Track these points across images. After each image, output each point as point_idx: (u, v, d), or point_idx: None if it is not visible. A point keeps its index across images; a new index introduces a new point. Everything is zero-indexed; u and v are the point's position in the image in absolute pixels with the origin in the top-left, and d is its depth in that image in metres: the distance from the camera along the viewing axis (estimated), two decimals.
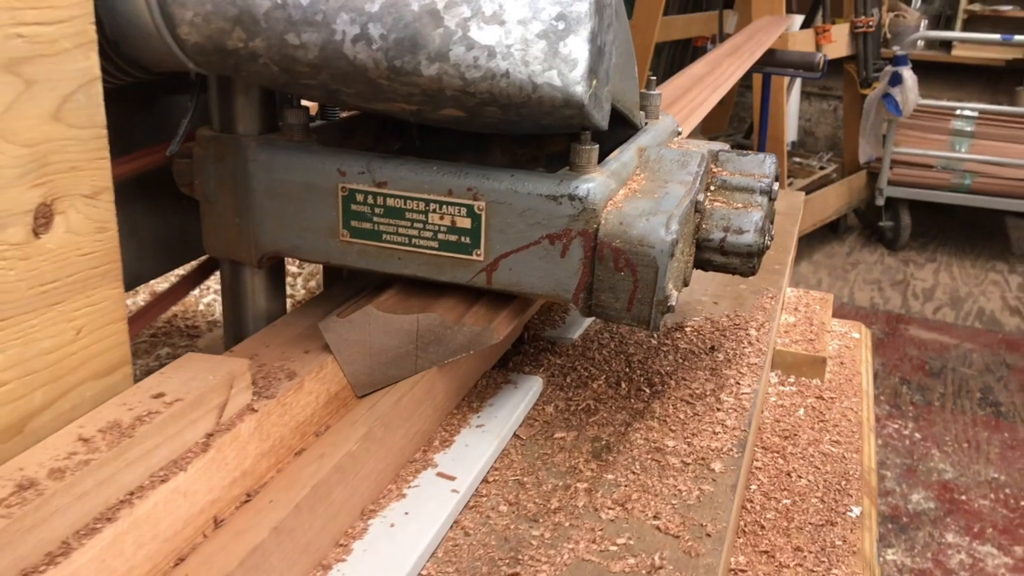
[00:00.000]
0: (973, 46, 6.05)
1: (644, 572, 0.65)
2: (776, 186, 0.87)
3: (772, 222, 0.89)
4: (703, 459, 0.79)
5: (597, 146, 0.76)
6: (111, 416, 0.64)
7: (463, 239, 0.77)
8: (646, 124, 0.95)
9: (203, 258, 0.96)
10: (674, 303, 0.75)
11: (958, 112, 5.18)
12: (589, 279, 0.76)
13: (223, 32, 0.67)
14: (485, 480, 0.76)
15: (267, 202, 0.81)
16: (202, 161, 0.83)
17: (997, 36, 4.88)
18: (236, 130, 0.83)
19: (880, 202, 5.04)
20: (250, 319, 0.89)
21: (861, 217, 5.43)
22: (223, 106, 0.84)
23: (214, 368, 0.71)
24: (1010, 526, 2.90)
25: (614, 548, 0.68)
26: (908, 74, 4.74)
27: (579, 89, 0.69)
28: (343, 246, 0.80)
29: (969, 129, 5.16)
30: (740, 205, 0.85)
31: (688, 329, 1.04)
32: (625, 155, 0.83)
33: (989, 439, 3.43)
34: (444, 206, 0.76)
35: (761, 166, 0.88)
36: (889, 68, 4.79)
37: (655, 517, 0.71)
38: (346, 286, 0.93)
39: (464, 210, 0.76)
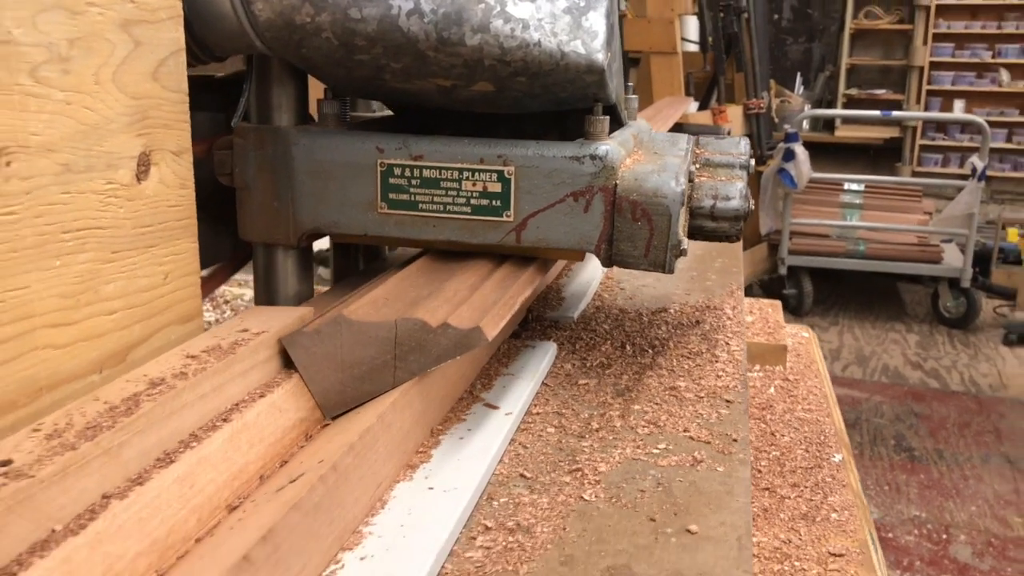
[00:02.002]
0: (854, 127, 6.51)
1: (688, 465, 0.74)
2: (752, 163, 0.99)
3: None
4: (713, 393, 0.89)
5: (608, 117, 0.87)
6: (209, 343, 0.70)
7: (494, 202, 0.86)
8: (628, 123, 1.07)
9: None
10: (686, 247, 0.85)
11: (846, 187, 5.53)
12: (609, 231, 0.85)
13: (293, 8, 0.77)
14: (528, 412, 0.83)
15: (308, 182, 0.89)
16: (242, 150, 0.91)
17: (877, 112, 5.28)
18: (273, 122, 0.91)
19: (783, 271, 5.31)
20: (282, 300, 0.96)
21: (765, 287, 5.70)
22: (261, 101, 0.92)
23: (285, 313, 0.77)
24: (935, 558, 3.05)
25: (656, 451, 0.76)
26: (800, 150, 5.08)
27: (599, 56, 0.80)
28: (381, 218, 0.89)
29: (858, 201, 5.52)
30: (724, 178, 0.97)
31: (672, 311, 1.14)
32: (624, 135, 0.94)
33: (907, 481, 3.61)
34: (476, 173, 0.86)
35: (737, 146, 1.00)
36: (782, 145, 5.12)
37: (685, 431, 0.80)
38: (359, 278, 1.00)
39: (495, 175, 0.86)
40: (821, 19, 6.84)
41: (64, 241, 0.62)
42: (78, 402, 0.58)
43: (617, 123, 1.01)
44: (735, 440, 0.79)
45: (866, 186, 5.39)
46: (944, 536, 3.20)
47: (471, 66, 0.80)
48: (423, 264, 0.90)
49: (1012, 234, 6.12)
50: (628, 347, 1.00)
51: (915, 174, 6.20)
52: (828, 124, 6.61)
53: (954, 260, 5.08)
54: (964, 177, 5.11)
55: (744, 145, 1.00)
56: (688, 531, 0.64)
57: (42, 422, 0.55)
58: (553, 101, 0.87)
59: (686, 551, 0.62)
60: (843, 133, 6.59)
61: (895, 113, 5.46)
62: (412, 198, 0.87)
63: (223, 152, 0.92)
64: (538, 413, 0.83)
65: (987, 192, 4.98)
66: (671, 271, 0.86)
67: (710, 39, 4.88)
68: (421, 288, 0.82)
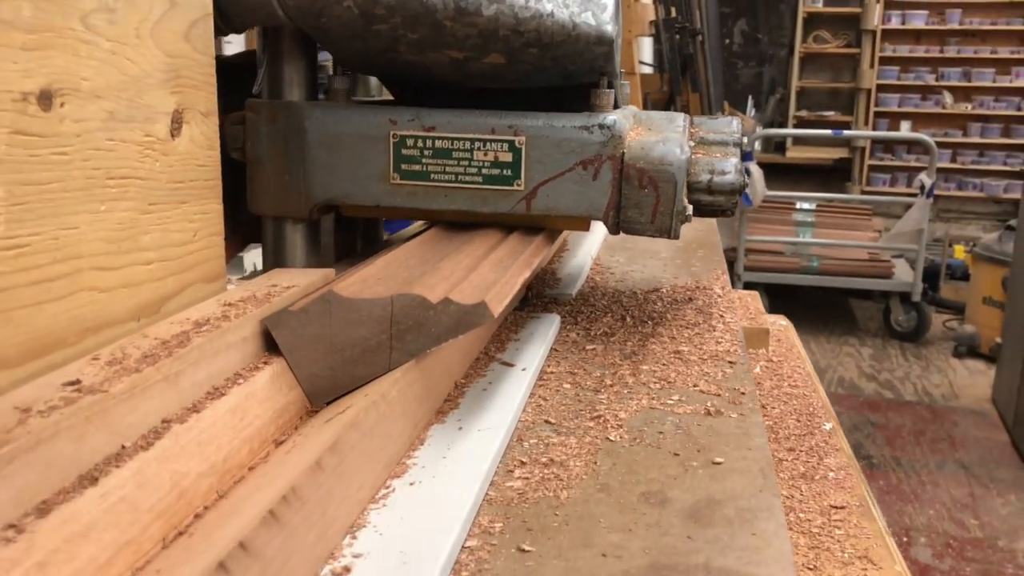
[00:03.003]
0: (804, 148, 6.66)
1: (702, 413, 0.77)
2: (745, 140, 1.03)
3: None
4: (716, 356, 0.92)
5: (613, 90, 0.91)
6: (244, 294, 0.72)
7: (505, 172, 0.89)
8: (623, 106, 1.11)
9: None
10: (690, 213, 0.89)
11: (798, 205, 5.65)
12: (617, 198, 0.89)
13: None
14: (542, 372, 0.86)
15: (321, 155, 0.91)
16: (255, 124, 0.92)
17: (829, 131, 5.42)
18: (284, 97, 0.93)
19: (739, 287, 5.39)
20: None
21: None
22: (273, 76, 0.94)
23: (309, 272, 0.79)
24: None
25: (671, 402, 0.79)
26: (755, 168, 5.18)
27: (609, 28, 0.83)
28: (393, 188, 0.91)
29: (810, 220, 5.64)
30: (719, 155, 1.01)
31: (664, 290, 1.18)
32: (625, 112, 0.97)
33: (867, 488, 3.68)
34: (488, 143, 0.89)
35: (729, 125, 1.04)
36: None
37: (695, 386, 0.83)
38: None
39: (506, 145, 0.89)
40: (770, 44, 7.00)
41: (108, 187, 0.63)
42: (129, 338, 0.60)
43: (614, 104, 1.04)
44: (743, 393, 0.82)
45: (817, 205, 5.52)
46: (905, 539, 3.26)
47: (485, 37, 0.83)
48: (424, 239, 0.92)
49: (959, 251, 6.29)
50: (628, 319, 1.03)
51: (864, 194, 6.35)
52: (779, 145, 6.75)
53: (905, 275, 5.21)
54: (912, 195, 5.25)
55: (736, 124, 1.04)
56: (714, 463, 0.67)
57: (99, 353, 0.56)
58: (561, 75, 0.90)
59: (714, 480, 0.64)
60: (794, 154, 6.73)
61: (846, 132, 5.60)
62: (424, 168, 0.90)
63: (235, 127, 0.93)
64: (552, 372, 0.86)
65: (934, 211, 5.12)
66: (676, 236, 0.89)
67: (667, 60, 4.98)
68: (420, 263, 0.80)
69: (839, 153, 6.69)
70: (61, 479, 0.45)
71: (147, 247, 0.68)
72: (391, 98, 1.14)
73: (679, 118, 1.00)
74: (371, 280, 0.71)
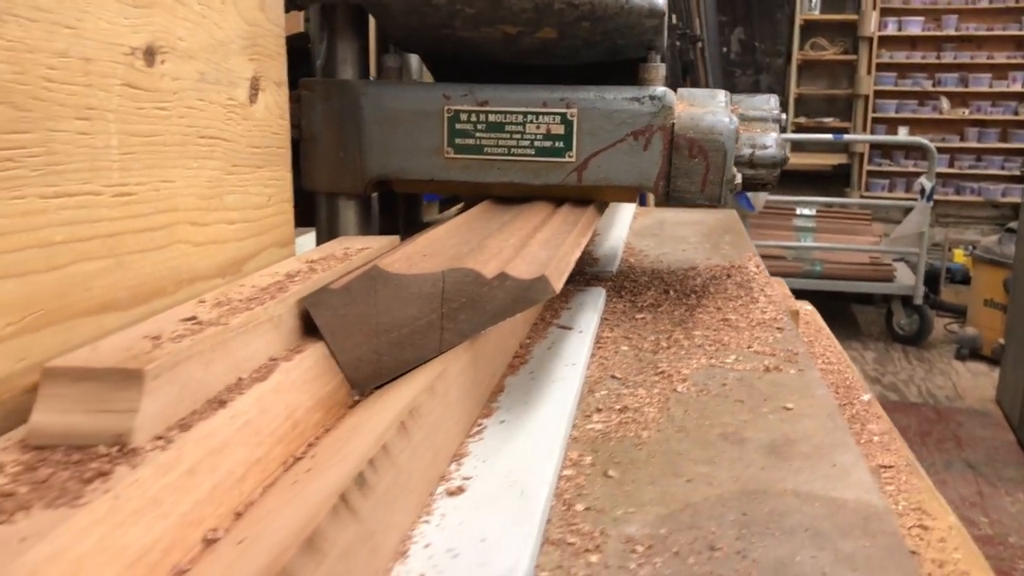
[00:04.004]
0: (803, 155, 6.70)
1: (761, 369, 0.79)
2: (783, 116, 1.06)
3: None
4: (763, 323, 0.94)
5: (663, 64, 0.93)
6: (323, 253, 0.74)
7: (557, 144, 0.92)
8: None
9: None
10: (739, 182, 0.91)
11: (798, 211, 5.69)
12: (667, 168, 0.91)
13: None
14: (598, 337, 0.88)
15: (376, 131, 0.94)
16: (310, 102, 0.95)
17: (829, 136, 5.46)
18: (338, 75, 0.96)
19: None
20: None
21: None
22: (327, 56, 0.97)
23: (376, 238, 0.82)
24: None
25: (728, 361, 0.81)
26: None
27: (660, 1, 0.86)
28: (447, 162, 0.93)
29: (811, 225, 5.68)
30: (759, 130, 1.03)
31: (700, 268, 1.21)
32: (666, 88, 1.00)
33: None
34: (540, 116, 0.91)
35: (768, 103, 1.07)
36: None
37: (749, 347, 0.86)
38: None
39: (558, 118, 0.91)
40: (767, 52, 7.06)
41: (200, 145, 0.66)
42: (228, 286, 0.62)
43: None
44: (796, 353, 0.84)
45: (818, 210, 5.55)
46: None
47: (541, 10, 0.86)
48: (469, 217, 0.93)
49: (958, 255, 6.33)
50: (672, 292, 1.06)
51: (863, 199, 6.39)
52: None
53: (906, 279, 5.24)
54: (912, 200, 5.29)
55: (774, 101, 1.07)
56: (785, 408, 0.69)
57: (204, 297, 0.58)
58: (609, 50, 0.92)
59: (785, 422, 0.67)
60: (793, 160, 6.77)
61: (846, 136, 5.66)
62: (477, 142, 0.92)
63: (291, 105, 0.96)
64: (607, 337, 0.88)
65: (932, 216, 5.16)
66: (726, 204, 0.92)
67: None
68: (467, 240, 0.76)
69: (838, 159, 6.74)
70: (193, 401, 0.47)
71: (231, 207, 0.71)
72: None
73: (720, 94, 1.03)
74: (416, 257, 0.66)
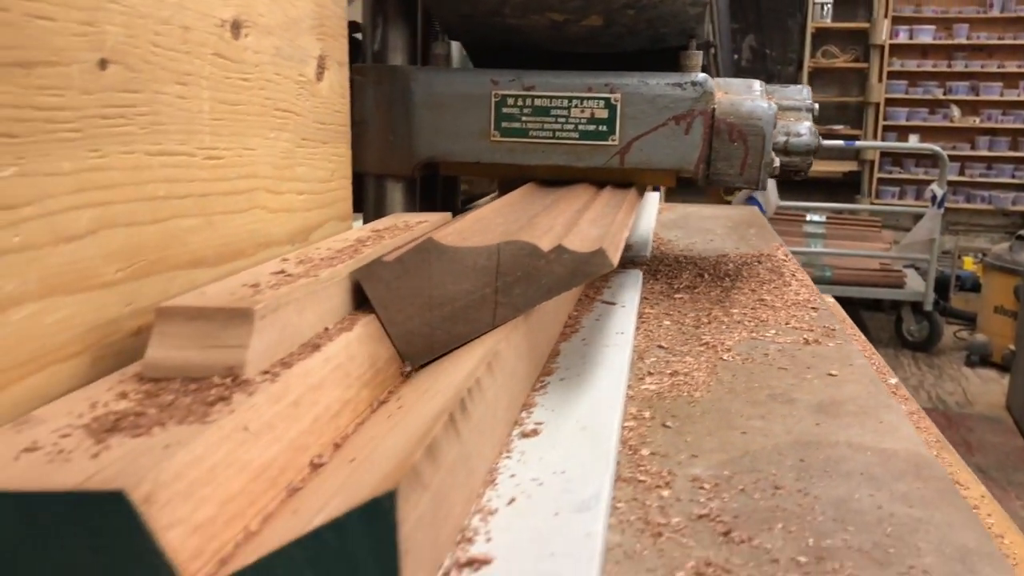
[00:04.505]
0: (814, 161, 6.72)
1: (801, 343, 0.82)
2: (816, 106, 1.09)
3: None
4: (798, 303, 0.98)
5: (702, 52, 0.97)
6: (385, 224, 0.77)
7: (600, 128, 0.95)
8: None
9: None
10: (777, 166, 0.95)
11: (808, 218, 5.71)
12: (707, 152, 0.95)
13: None
14: (640, 314, 0.91)
15: (425, 115, 0.97)
16: (361, 87, 0.98)
17: (841, 143, 5.49)
18: (388, 62, 1.00)
19: None
20: None
21: None
22: (376, 43, 1.00)
23: (430, 214, 0.85)
24: None
25: (768, 335, 0.84)
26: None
27: None
28: (493, 145, 0.97)
29: (820, 231, 5.70)
30: (793, 118, 1.07)
31: (730, 255, 1.24)
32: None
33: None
34: (585, 101, 0.95)
35: (800, 93, 1.10)
36: None
37: (786, 323, 0.89)
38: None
39: (602, 103, 0.95)
40: (779, 59, 7.09)
41: (276, 117, 0.69)
42: (306, 248, 0.65)
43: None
44: (833, 329, 0.87)
45: (828, 217, 5.58)
46: None
47: None
48: (512, 198, 0.97)
49: (968, 262, 6.35)
50: (706, 276, 1.09)
51: (873, 206, 6.41)
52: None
53: (916, 285, 5.26)
54: (922, 207, 5.31)
55: (807, 92, 1.10)
56: (829, 375, 0.72)
57: (286, 257, 0.62)
58: (651, 38, 0.96)
59: (830, 387, 0.70)
60: None
61: (858, 143, 5.70)
62: (523, 126, 0.96)
63: None
64: (649, 313, 0.91)
65: (943, 223, 5.18)
66: (764, 188, 0.95)
67: None
68: (514, 219, 0.77)
69: (848, 166, 6.77)
70: (290, 344, 0.50)
71: (300, 178, 0.74)
72: None
73: (755, 83, 1.06)
74: (468, 232, 0.64)
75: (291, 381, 0.47)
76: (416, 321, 0.59)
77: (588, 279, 0.59)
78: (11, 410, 0.43)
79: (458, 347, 0.58)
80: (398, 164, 0.99)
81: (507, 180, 1.08)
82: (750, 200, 5.31)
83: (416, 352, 0.59)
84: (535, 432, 0.54)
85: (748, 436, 0.59)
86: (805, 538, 0.46)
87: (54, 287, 0.45)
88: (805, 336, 0.84)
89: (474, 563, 0.39)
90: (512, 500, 0.45)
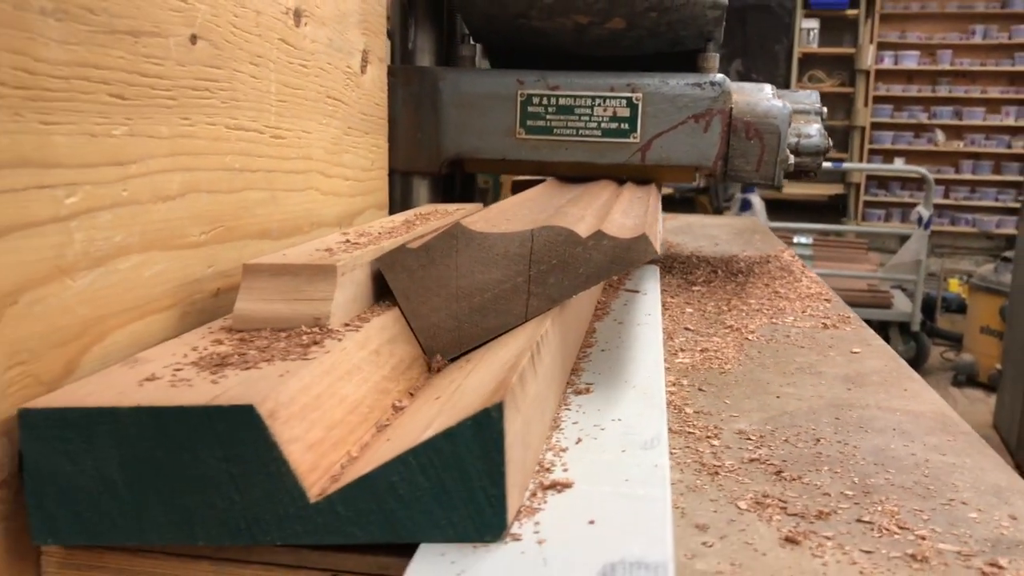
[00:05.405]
0: (801, 185, 6.80)
1: (820, 328, 0.86)
2: (824, 110, 1.14)
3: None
4: (811, 296, 1.02)
5: (719, 55, 1.01)
6: (423, 211, 0.81)
7: (622, 126, 0.99)
8: None
9: None
10: (792, 163, 0.99)
11: (795, 239, 5.78)
12: (725, 149, 0.99)
13: None
14: (662, 303, 0.95)
15: (453, 114, 1.01)
16: (392, 87, 1.02)
17: (829, 164, 5.55)
18: (416, 63, 1.04)
19: None
20: None
21: None
22: (404, 45, 1.04)
23: (462, 204, 0.89)
24: None
25: (788, 321, 0.88)
26: (756, 200, 5.32)
27: None
28: (518, 143, 1.01)
29: (808, 253, 5.76)
30: (803, 121, 1.11)
31: (739, 256, 1.28)
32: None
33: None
34: (607, 100, 0.99)
35: (809, 97, 1.15)
36: (739, 196, 5.35)
37: (803, 311, 0.93)
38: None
39: (624, 102, 0.99)
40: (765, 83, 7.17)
41: (328, 104, 0.73)
42: (362, 225, 0.69)
43: None
44: (848, 317, 0.91)
45: (815, 238, 5.64)
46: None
47: (613, 0, 0.94)
48: (537, 192, 1.00)
49: (953, 284, 6.43)
50: (720, 272, 1.13)
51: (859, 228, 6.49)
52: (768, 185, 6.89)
53: (903, 306, 5.33)
54: (908, 230, 5.39)
55: (815, 96, 1.15)
56: (851, 352, 0.76)
57: (345, 231, 0.65)
58: (670, 40, 1.00)
59: (853, 362, 0.74)
60: (790, 190, 6.87)
61: (845, 164, 5.77)
62: (548, 124, 1.00)
63: None
64: (671, 301, 0.95)
65: (928, 245, 5.26)
66: (779, 185, 0.99)
67: None
68: (544, 206, 0.75)
69: (835, 189, 6.85)
70: (363, 302, 0.54)
71: (346, 165, 0.78)
72: None
73: (767, 87, 1.10)
74: (496, 220, 0.61)
75: (371, 333, 0.50)
76: (442, 313, 0.55)
77: (628, 268, 0.55)
78: (117, 352, 0.46)
79: (488, 341, 0.54)
80: (426, 161, 1.02)
81: (529, 176, 1.12)
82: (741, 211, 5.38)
83: (442, 347, 0.55)
84: (587, 390, 0.57)
85: (783, 400, 0.63)
86: (850, 477, 0.49)
87: (152, 242, 0.49)
88: (823, 322, 0.88)
89: (557, 485, 0.42)
90: (579, 440, 0.48)
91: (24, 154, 0.38)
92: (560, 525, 0.38)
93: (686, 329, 0.83)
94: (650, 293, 0.91)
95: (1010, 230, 6.45)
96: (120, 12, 0.45)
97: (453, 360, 0.55)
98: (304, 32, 0.68)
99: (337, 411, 0.43)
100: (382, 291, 0.56)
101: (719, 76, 0.98)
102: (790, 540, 0.41)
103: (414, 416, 0.45)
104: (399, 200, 1.07)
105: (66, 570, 0.41)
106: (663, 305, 0.94)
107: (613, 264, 0.54)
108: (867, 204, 6.84)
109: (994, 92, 6.57)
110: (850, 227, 5.98)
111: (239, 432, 0.37)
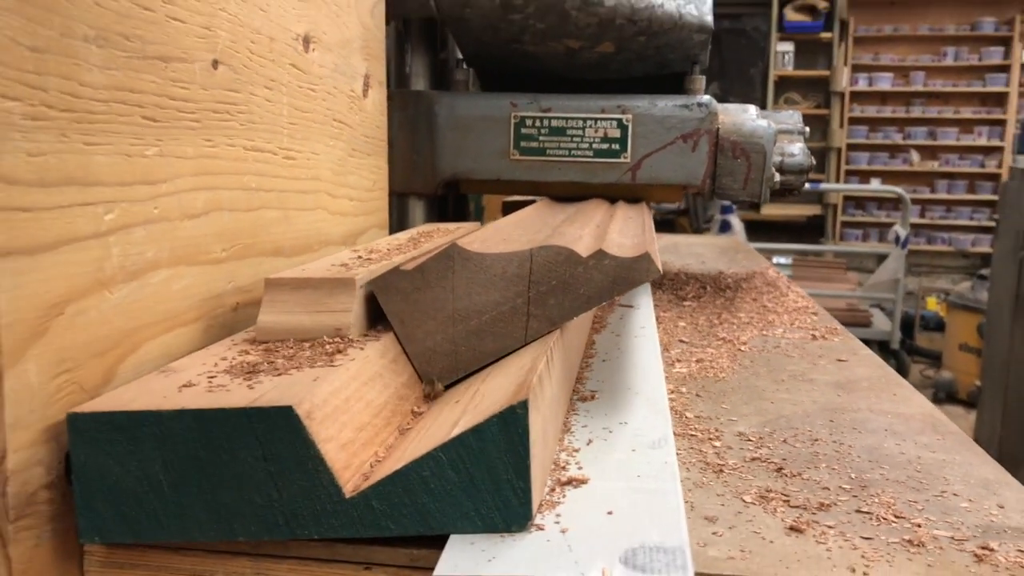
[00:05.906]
0: (779, 205, 6.88)
1: (809, 339, 0.89)
2: (807, 130, 1.17)
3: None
4: (798, 310, 1.05)
5: (705, 77, 1.05)
6: (424, 229, 0.83)
7: (613, 146, 1.02)
8: None
9: None
10: (778, 180, 1.02)
11: (774, 260, 5.84)
12: (712, 168, 1.02)
13: None
14: (655, 317, 0.98)
15: (448, 136, 1.04)
16: (388, 111, 1.05)
17: (807, 185, 5.62)
18: (411, 87, 1.07)
19: None
20: None
21: None
22: (400, 70, 1.07)
23: (462, 224, 0.91)
24: None
25: (777, 333, 0.91)
26: (736, 221, 5.38)
27: (708, 19, 0.98)
28: (512, 164, 1.04)
29: (787, 273, 5.83)
30: (787, 140, 1.15)
31: (726, 273, 1.31)
32: None
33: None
34: (598, 121, 1.02)
35: (792, 117, 1.18)
36: (719, 217, 5.41)
37: (792, 324, 0.96)
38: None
39: (615, 123, 1.02)
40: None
41: (333, 127, 0.76)
42: (369, 243, 0.71)
43: None
44: (835, 329, 0.94)
45: (794, 259, 5.71)
46: None
47: (603, 25, 0.97)
48: (533, 210, 1.03)
49: (931, 302, 6.51)
50: (708, 288, 1.16)
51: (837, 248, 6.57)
52: (754, 203, 6.96)
53: (883, 324, 5.39)
54: (886, 249, 5.46)
55: (798, 116, 1.18)
56: (839, 360, 0.79)
57: (356, 247, 0.68)
58: (658, 64, 1.04)
59: (843, 370, 0.77)
60: (768, 211, 6.95)
61: (823, 185, 5.86)
62: (541, 145, 1.03)
63: None
64: (664, 315, 0.98)
65: (906, 264, 5.33)
66: (766, 201, 1.02)
67: None
68: (540, 227, 0.74)
69: (812, 210, 6.93)
70: (378, 313, 0.56)
71: (351, 185, 0.80)
72: None
73: (751, 108, 1.14)
74: (491, 241, 0.59)
75: (388, 343, 0.52)
76: (438, 337, 0.53)
77: (630, 288, 0.54)
78: (150, 362, 0.48)
79: (486, 366, 0.53)
80: (422, 182, 1.05)
81: (521, 196, 1.14)
82: (721, 231, 5.43)
83: (438, 372, 0.54)
84: (592, 397, 0.60)
85: (778, 405, 0.65)
86: (847, 473, 0.52)
87: (180, 258, 0.51)
88: (812, 333, 0.91)
89: (573, 481, 0.44)
90: (590, 442, 0.51)
91: (70, 173, 0.41)
92: (580, 516, 0.41)
93: (680, 341, 0.86)
94: (643, 307, 0.94)
95: (986, 248, 6.54)
96: (152, 39, 0.47)
97: (449, 387, 0.54)
98: (312, 57, 0.70)
99: (364, 414, 0.45)
100: (377, 315, 0.55)
101: (706, 97, 1.01)
102: (794, 529, 0.44)
103: (436, 419, 0.47)
104: (396, 220, 1.09)
105: (108, 568, 0.43)
106: (656, 319, 0.96)
107: (615, 284, 0.53)
108: (845, 224, 6.93)
109: (967, 112, 6.68)
110: (828, 247, 6.05)
111: (278, 432, 0.39)
